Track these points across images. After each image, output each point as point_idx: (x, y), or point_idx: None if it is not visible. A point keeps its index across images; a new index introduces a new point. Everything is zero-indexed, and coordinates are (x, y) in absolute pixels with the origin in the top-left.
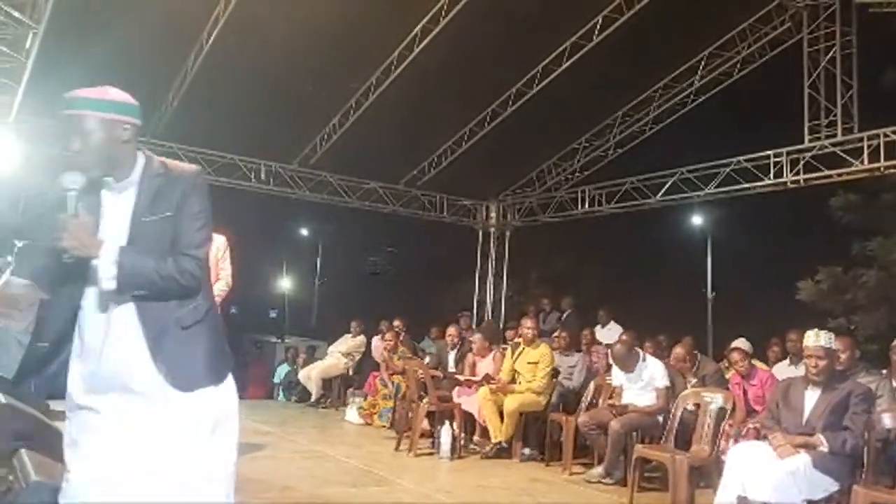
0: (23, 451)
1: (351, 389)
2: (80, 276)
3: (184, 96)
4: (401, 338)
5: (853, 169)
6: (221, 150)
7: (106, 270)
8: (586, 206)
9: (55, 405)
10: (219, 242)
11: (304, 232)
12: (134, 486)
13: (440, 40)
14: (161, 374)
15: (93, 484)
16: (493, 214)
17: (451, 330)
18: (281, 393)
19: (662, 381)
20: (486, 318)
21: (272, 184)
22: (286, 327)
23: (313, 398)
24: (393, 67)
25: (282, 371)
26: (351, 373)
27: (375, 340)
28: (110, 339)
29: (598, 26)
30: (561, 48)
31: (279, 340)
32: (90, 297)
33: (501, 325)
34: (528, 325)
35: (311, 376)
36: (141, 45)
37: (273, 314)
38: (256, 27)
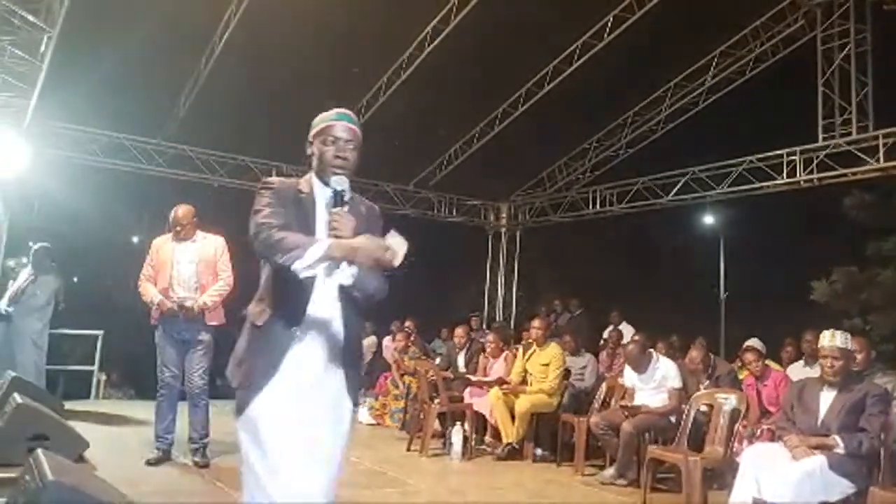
0: (39, 450)
1: (362, 390)
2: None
3: (195, 99)
4: (412, 338)
5: (868, 168)
6: (233, 152)
7: (351, 267)
8: (597, 206)
9: (70, 405)
10: (217, 243)
11: None
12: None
13: (450, 41)
14: (345, 382)
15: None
16: (503, 215)
17: (459, 331)
18: None
19: (675, 381)
20: (495, 319)
21: None
22: None
23: None
24: (403, 68)
25: None
26: (362, 373)
27: (386, 341)
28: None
29: (609, 25)
30: (572, 47)
31: None
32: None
33: (513, 326)
34: (535, 325)
35: None
36: (153, 48)
37: None
38: (267, 29)
